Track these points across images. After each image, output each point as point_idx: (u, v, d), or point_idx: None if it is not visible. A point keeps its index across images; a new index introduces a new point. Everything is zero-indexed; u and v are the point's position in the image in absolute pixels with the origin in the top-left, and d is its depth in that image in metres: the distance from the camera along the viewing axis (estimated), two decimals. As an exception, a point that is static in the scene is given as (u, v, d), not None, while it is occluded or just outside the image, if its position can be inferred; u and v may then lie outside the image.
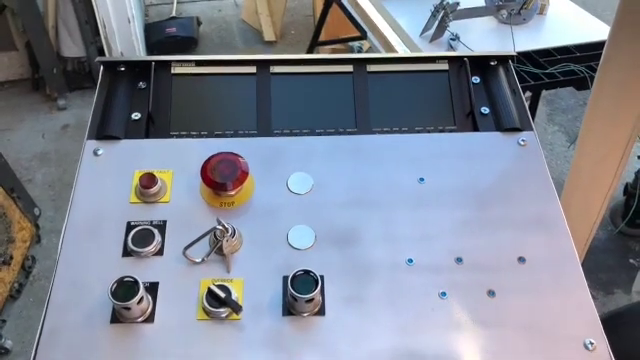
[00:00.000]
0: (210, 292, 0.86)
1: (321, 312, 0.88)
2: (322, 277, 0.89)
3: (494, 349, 0.86)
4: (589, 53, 2.18)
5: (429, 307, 0.89)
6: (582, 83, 2.15)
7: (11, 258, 2.34)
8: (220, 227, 0.90)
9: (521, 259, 0.94)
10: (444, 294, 0.90)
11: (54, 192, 2.81)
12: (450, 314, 0.88)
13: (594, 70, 2.10)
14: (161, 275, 0.90)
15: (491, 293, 0.90)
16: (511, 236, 0.96)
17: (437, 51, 2.22)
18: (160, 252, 0.93)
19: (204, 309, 0.87)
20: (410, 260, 0.93)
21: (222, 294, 0.85)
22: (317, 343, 0.86)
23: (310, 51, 3.32)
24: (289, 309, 0.88)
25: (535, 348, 0.86)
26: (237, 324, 0.87)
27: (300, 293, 0.84)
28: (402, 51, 2.18)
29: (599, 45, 2.19)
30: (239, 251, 0.93)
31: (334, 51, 3.40)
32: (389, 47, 2.23)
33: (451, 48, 2.25)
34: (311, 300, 0.85)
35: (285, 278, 0.90)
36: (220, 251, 0.91)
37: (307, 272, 0.86)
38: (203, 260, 0.91)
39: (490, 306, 0.89)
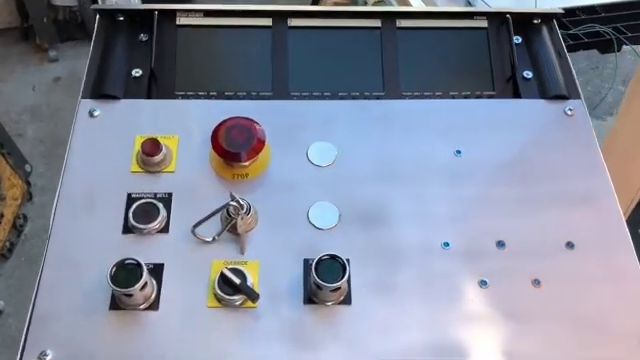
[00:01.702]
0: (223, 277, 0.76)
1: (347, 301, 0.78)
2: (348, 261, 0.79)
3: (540, 345, 0.77)
4: (616, 13, 2.04)
5: (467, 297, 0.79)
6: (607, 46, 2.02)
7: (2, 216, 2.23)
8: (234, 203, 0.79)
9: (569, 244, 0.84)
10: (484, 283, 0.80)
11: (45, 148, 2.69)
12: (491, 305, 0.79)
13: (620, 32, 1.97)
14: (167, 256, 0.80)
15: (537, 282, 0.81)
16: (558, 217, 0.86)
17: (454, 6, 2.08)
18: (165, 229, 0.82)
19: (216, 295, 0.77)
20: (446, 244, 0.83)
21: (237, 280, 0.75)
22: (342, 335, 0.76)
23: (314, 3, 3.15)
24: (311, 297, 0.78)
25: (585, 344, 0.77)
26: (253, 313, 0.77)
27: (325, 281, 0.74)
28: (417, 5, 2.04)
29: (627, 5, 2.06)
30: (254, 230, 0.83)
31: (336, 4, 3.23)
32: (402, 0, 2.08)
33: (469, 4, 2.11)
34: (337, 289, 0.75)
35: (306, 261, 0.80)
36: (234, 230, 0.80)
37: (333, 257, 0.75)
38: (214, 239, 0.81)
39: (536, 297, 0.80)
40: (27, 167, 2.49)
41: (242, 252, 0.81)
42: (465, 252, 0.82)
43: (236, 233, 0.81)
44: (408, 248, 0.82)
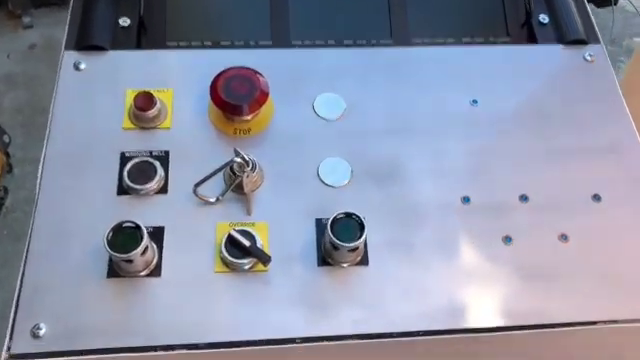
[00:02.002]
0: (231, 239, 0.70)
1: (364, 261, 0.73)
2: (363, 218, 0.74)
3: (568, 302, 0.72)
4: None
5: (491, 255, 0.74)
6: (604, -1, 1.97)
7: (-20, 190, 2.14)
8: (239, 159, 0.72)
9: (596, 197, 0.79)
10: (509, 239, 0.75)
11: (23, 118, 2.58)
12: (516, 263, 0.74)
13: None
14: (167, 218, 0.74)
15: (564, 237, 0.76)
16: (583, 169, 0.81)
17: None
18: (164, 189, 0.75)
19: (223, 260, 0.71)
20: (466, 199, 0.78)
21: (246, 242, 0.69)
22: (360, 297, 0.71)
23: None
24: (325, 258, 0.72)
25: (616, 300, 0.73)
26: (263, 277, 0.71)
27: (343, 240, 0.68)
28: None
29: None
30: (260, 189, 0.77)
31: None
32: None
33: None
34: (354, 249, 0.69)
35: (318, 221, 0.74)
36: (239, 189, 0.74)
37: (349, 215, 0.70)
38: (218, 200, 0.75)
39: (563, 252, 0.75)
40: (5, 138, 2.38)
41: (249, 213, 0.75)
42: (487, 207, 0.77)
43: (241, 193, 0.74)
44: (426, 204, 0.77)
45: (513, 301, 0.72)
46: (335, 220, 0.69)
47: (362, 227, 0.69)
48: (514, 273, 0.73)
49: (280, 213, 0.75)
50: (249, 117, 0.79)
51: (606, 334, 0.73)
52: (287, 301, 0.70)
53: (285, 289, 0.71)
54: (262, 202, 0.76)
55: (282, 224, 0.74)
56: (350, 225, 0.69)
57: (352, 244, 0.68)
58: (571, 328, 0.71)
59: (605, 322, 0.72)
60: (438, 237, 0.75)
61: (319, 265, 0.72)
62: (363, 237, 0.68)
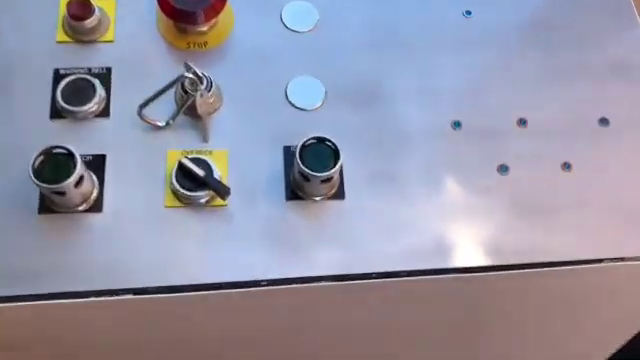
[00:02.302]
0: (182, 168, 0.59)
1: (339, 195, 0.63)
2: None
3: (571, 238, 0.64)
4: None
5: (484, 186, 0.65)
6: None
7: None
8: (190, 75, 0.61)
9: (603, 121, 0.69)
10: (504, 169, 0.66)
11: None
12: (512, 195, 0.65)
13: None
14: (109, 145, 0.63)
15: (566, 166, 0.67)
16: (589, 89, 0.71)
17: None
18: (105, 112, 0.64)
19: (174, 192, 0.61)
20: (456, 123, 0.68)
21: (200, 171, 0.59)
22: (335, 235, 0.62)
23: None
24: (295, 191, 0.62)
25: (623, 235, 0.64)
26: (223, 212, 0.62)
27: (314, 170, 0.58)
28: None
29: None
30: (219, 111, 0.66)
31: None
32: None
33: None
34: (328, 179, 0.60)
35: (286, 149, 0.64)
36: (192, 111, 0.63)
37: (322, 140, 0.59)
38: (168, 124, 0.64)
39: (566, 183, 0.66)
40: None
41: (205, 139, 0.64)
42: (480, 132, 0.67)
43: (195, 116, 0.63)
44: (411, 129, 0.67)
45: (508, 237, 0.63)
46: (305, 146, 0.59)
47: (337, 154, 0.59)
48: (510, 206, 0.64)
49: (242, 140, 0.65)
50: (204, 27, 0.68)
51: (612, 273, 0.65)
52: (250, 240, 0.61)
53: (248, 226, 0.61)
54: (221, 127, 0.65)
55: (244, 152, 0.64)
56: (322, 152, 0.59)
57: (325, 174, 0.58)
58: (573, 267, 0.63)
59: (612, 260, 0.64)
60: (424, 167, 0.65)
61: (288, 199, 0.62)
62: (338, 166, 0.58)
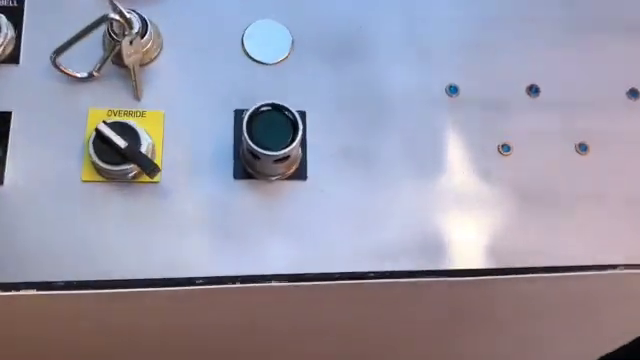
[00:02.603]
0: (100, 136, 0.47)
1: (300, 174, 0.51)
2: (303, 114, 0.51)
3: (582, 238, 0.52)
4: None
5: (481, 168, 0.53)
6: None
7: None
8: (116, 16, 0.48)
9: (633, 92, 0.57)
10: (506, 148, 0.54)
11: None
12: (515, 180, 0.53)
13: None
14: (15, 99, 0.51)
15: (582, 147, 0.54)
16: (617, 54, 0.58)
17: None
18: (14, 58, 0.51)
19: (94, 164, 0.49)
20: (452, 88, 0.55)
21: (121, 142, 0.47)
22: (292, 225, 0.50)
23: None
24: (245, 168, 0.50)
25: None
26: (153, 190, 0.50)
27: (265, 147, 0.46)
28: None
29: None
30: (157, 61, 0.53)
31: None
32: None
33: None
34: (284, 158, 0.47)
35: (238, 114, 0.51)
36: (122, 60, 0.50)
37: (278, 108, 0.47)
38: (92, 75, 0.51)
39: (580, 168, 0.54)
40: None
41: (137, 97, 0.51)
42: (480, 101, 0.55)
43: (124, 65, 0.50)
44: (395, 94, 0.54)
45: (506, 235, 0.52)
46: (255, 115, 0.46)
47: (295, 127, 0.46)
48: (511, 195, 0.53)
49: (183, 99, 0.52)
50: (143, -47, 0.54)
51: (626, 280, 0.54)
52: (186, 226, 0.49)
53: (184, 209, 0.49)
54: (158, 82, 0.52)
55: (185, 115, 0.52)
56: (277, 122, 0.47)
57: (278, 152, 0.46)
58: (583, 273, 0.52)
59: (627, 266, 0.52)
60: (408, 142, 0.53)
61: (236, 177, 0.50)
62: (295, 143, 0.46)
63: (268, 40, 0.54)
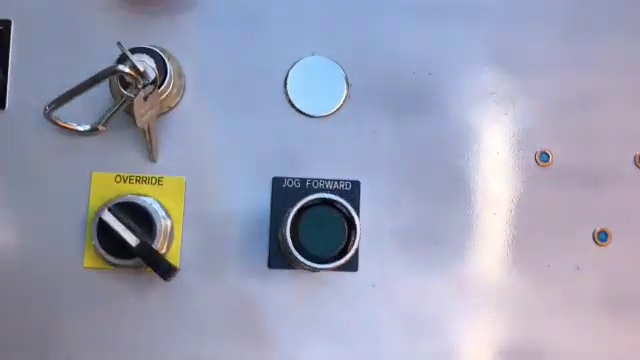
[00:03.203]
0: (105, 228, 0.37)
1: (349, 264, 0.41)
2: (357, 185, 0.41)
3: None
4: None
5: (570, 261, 0.43)
6: None
7: None
8: (126, 69, 0.37)
9: None
10: (604, 236, 0.43)
11: None
12: (612, 280, 0.43)
13: None
14: (1, 166, 0.41)
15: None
16: None
17: None
18: (-2, 101, 0.41)
19: (97, 251, 0.39)
20: (544, 155, 0.44)
21: (130, 237, 0.37)
22: (334, 327, 0.41)
23: None
24: (283, 256, 0.41)
25: None
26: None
27: (310, 257, 0.36)
28: None
29: None
30: (177, 109, 0.42)
31: None
32: None
33: None
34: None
35: (279, 183, 0.41)
36: (131, 111, 0.39)
37: (330, 202, 0.36)
38: (96, 129, 0.41)
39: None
40: None
41: (152, 158, 0.41)
42: (576, 172, 0.44)
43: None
44: (472, 158, 0.43)
45: (596, 347, 0.43)
46: (301, 212, 0.36)
47: (352, 225, 0.36)
48: (603, 299, 0.43)
49: (209, 160, 0.42)
50: (162, -34, 0.41)
51: None
52: (208, 325, 0.41)
53: (207, 305, 0.41)
54: (179, 138, 0.42)
55: (211, 182, 0.42)
56: (328, 221, 0.36)
57: (327, 265, 0.36)
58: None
59: None
60: (484, 220, 0.43)
61: (271, 266, 0.41)
62: (352, 251, 0.36)
63: (317, 85, 0.43)
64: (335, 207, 0.37)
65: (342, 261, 0.36)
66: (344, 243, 0.36)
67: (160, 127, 0.41)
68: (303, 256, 0.36)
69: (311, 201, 0.36)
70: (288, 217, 0.36)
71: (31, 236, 0.40)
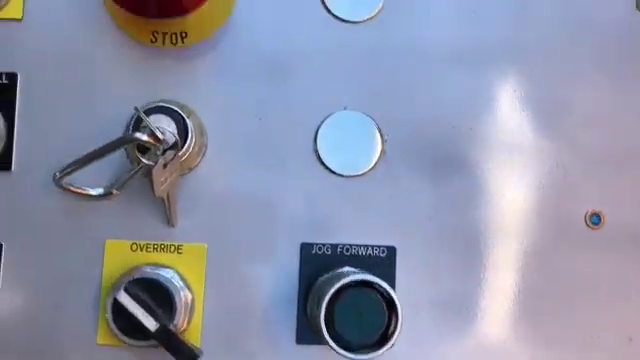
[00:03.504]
0: (118, 307, 0.34)
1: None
2: (393, 251, 0.38)
3: None
4: None
5: (624, 336, 0.40)
6: None
7: None
8: (144, 137, 0.33)
9: None
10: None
11: None
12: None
13: None
14: (8, 224, 0.38)
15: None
16: None
17: None
18: (5, 162, 0.38)
19: (111, 329, 0.36)
20: (595, 217, 0.40)
21: (149, 322, 0.34)
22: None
23: None
24: (313, 331, 0.38)
25: None
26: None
27: (346, 346, 0.33)
28: None
29: None
30: (198, 169, 0.39)
31: None
32: None
33: None
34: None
35: (308, 249, 0.38)
36: (149, 175, 0.36)
37: (369, 284, 0.33)
38: (110, 193, 0.37)
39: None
40: None
41: (171, 223, 0.38)
42: (631, 236, 0.40)
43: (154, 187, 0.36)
44: (515, 220, 0.40)
45: None
46: (336, 297, 0.33)
47: (393, 308, 0.33)
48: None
49: (233, 227, 0.38)
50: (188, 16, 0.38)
51: None
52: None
53: (231, 386, 0.37)
54: (200, 200, 0.38)
55: (235, 250, 0.38)
56: (366, 304, 0.33)
57: (365, 356, 0.33)
58: None
59: None
60: (528, 292, 0.39)
61: (299, 342, 0.38)
62: (391, 341, 0.33)
63: (349, 142, 0.39)
64: (373, 287, 0.33)
65: (381, 351, 0.33)
66: (384, 328, 0.33)
67: (179, 188, 0.38)
68: (339, 345, 0.32)
69: (346, 282, 0.33)
70: (322, 304, 0.32)
71: (40, 310, 0.37)
